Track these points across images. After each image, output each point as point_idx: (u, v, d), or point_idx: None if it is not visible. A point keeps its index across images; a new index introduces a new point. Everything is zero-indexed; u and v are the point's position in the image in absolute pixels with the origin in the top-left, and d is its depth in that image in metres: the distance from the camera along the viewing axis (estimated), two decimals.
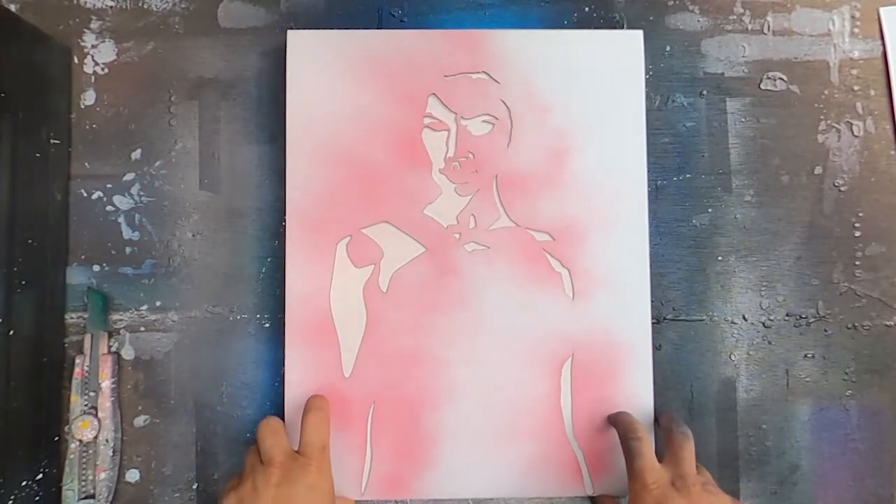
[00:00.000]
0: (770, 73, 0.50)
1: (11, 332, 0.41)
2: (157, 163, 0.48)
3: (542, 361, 0.46)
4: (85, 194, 0.48)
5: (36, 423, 0.44)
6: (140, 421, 0.47)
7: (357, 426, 0.45)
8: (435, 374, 0.46)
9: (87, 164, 0.48)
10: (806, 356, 0.48)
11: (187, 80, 0.49)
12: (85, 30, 0.49)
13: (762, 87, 0.50)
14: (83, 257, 0.48)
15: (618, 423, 0.43)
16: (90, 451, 0.45)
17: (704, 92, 0.49)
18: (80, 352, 0.46)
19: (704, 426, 0.48)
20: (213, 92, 0.49)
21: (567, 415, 0.46)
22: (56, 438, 0.45)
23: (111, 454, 0.45)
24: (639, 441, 0.40)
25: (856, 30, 0.50)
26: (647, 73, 0.49)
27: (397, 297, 0.46)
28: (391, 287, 0.46)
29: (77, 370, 0.46)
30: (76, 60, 0.48)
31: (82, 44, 0.49)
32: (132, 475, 0.46)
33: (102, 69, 0.49)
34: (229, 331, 0.47)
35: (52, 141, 0.46)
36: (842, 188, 0.49)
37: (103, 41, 0.49)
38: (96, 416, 0.45)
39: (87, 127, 0.48)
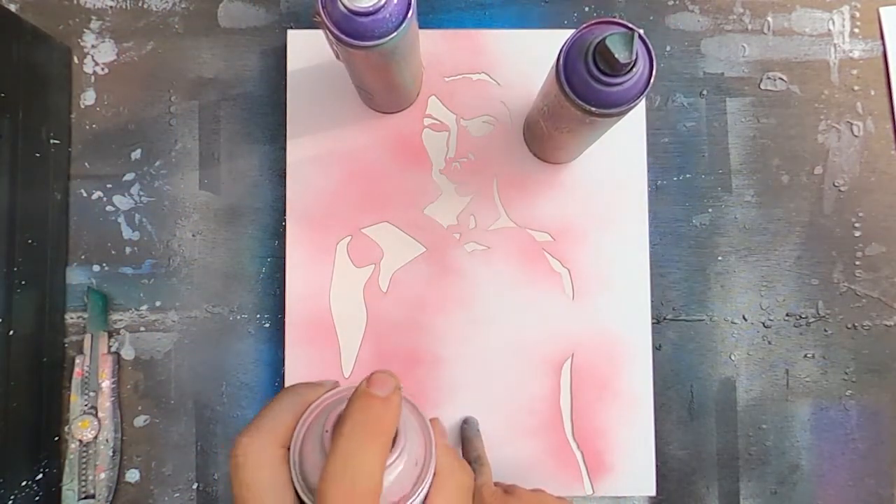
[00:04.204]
0: (770, 73, 0.50)
1: (11, 332, 0.41)
2: (157, 163, 0.48)
3: (542, 361, 0.46)
4: (85, 194, 0.48)
5: (36, 423, 0.44)
6: (140, 421, 0.47)
7: None
8: (435, 374, 0.46)
9: (87, 164, 0.48)
10: (806, 356, 0.48)
11: (187, 80, 0.49)
12: (85, 30, 0.49)
13: (762, 87, 0.50)
14: (83, 257, 0.48)
15: (462, 438, 0.44)
16: (90, 451, 0.45)
17: (704, 92, 0.49)
18: (80, 352, 0.46)
19: (704, 426, 0.48)
20: (213, 92, 0.49)
21: (567, 415, 0.46)
22: (56, 438, 0.45)
23: (111, 454, 0.45)
24: (479, 462, 0.42)
25: (856, 30, 0.50)
26: None
27: (397, 297, 0.46)
28: (391, 287, 0.46)
29: (77, 370, 0.46)
30: (76, 60, 0.48)
31: (82, 44, 0.49)
32: (132, 475, 0.46)
33: (102, 69, 0.49)
34: (229, 331, 0.47)
35: (52, 141, 0.46)
36: (842, 188, 0.49)
37: (103, 41, 0.49)
38: (96, 416, 0.45)
39: (87, 127, 0.48)
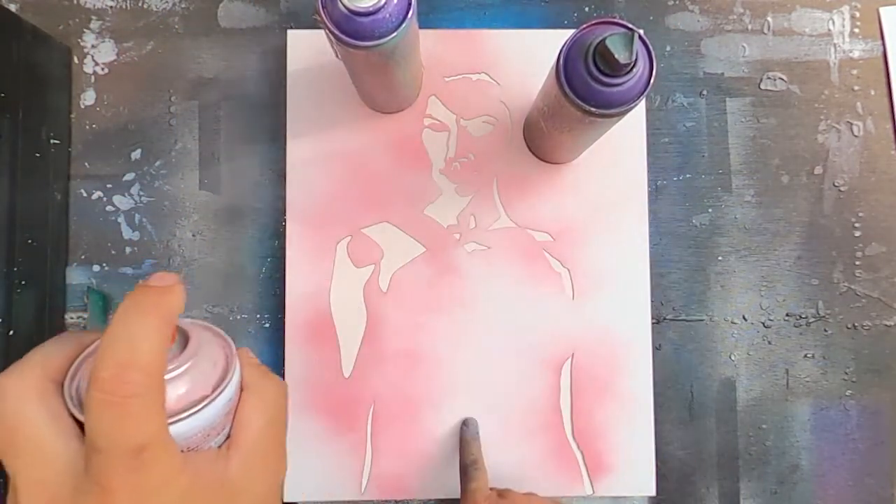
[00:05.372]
0: (770, 73, 0.50)
1: (11, 332, 0.41)
2: (157, 163, 0.48)
3: (542, 361, 0.46)
4: (85, 194, 0.48)
5: None
6: None
7: (357, 426, 0.45)
8: (435, 374, 0.46)
9: (87, 164, 0.48)
10: (806, 356, 0.48)
11: (187, 80, 0.49)
12: (85, 30, 0.49)
13: (762, 87, 0.50)
14: (83, 257, 0.48)
15: (461, 441, 0.44)
16: None
17: (704, 92, 0.49)
18: None
19: (704, 426, 0.48)
20: (213, 92, 0.49)
21: (567, 415, 0.46)
22: None
23: None
24: (475, 467, 0.42)
25: (856, 30, 0.50)
26: None
27: (397, 297, 0.46)
28: (391, 287, 0.46)
29: None
30: (76, 60, 0.48)
31: (82, 44, 0.49)
32: None
33: (102, 69, 0.49)
34: (229, 331, 0.47)
35: (52, 141, 0.46)
36: (842, 188, 0.49)
37: (103, 41, 0.49)
38: None
39: (87, 127, 0.48)
